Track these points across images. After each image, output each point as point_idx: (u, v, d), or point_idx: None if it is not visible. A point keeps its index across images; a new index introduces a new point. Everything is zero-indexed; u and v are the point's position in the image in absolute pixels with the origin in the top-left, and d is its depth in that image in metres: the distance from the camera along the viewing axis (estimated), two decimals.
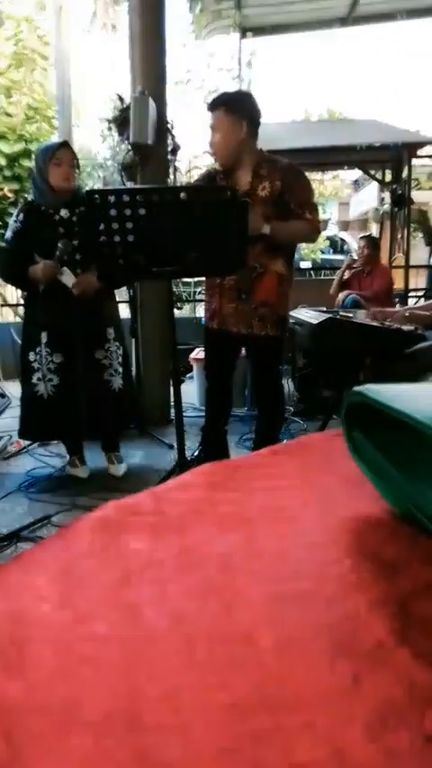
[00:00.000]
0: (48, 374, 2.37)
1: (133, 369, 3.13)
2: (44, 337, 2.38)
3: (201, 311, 5.05)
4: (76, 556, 0.45)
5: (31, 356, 2.41)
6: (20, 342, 3.16)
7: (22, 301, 3.58)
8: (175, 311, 2.05)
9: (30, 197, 2.43)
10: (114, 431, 2.72)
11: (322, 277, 6.77)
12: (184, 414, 1.86)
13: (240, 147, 2.04)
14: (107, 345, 2.45)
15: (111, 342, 2.46)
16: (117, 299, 2.65)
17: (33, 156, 2.42)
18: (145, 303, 3.38)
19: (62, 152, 2.29)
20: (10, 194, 7.01)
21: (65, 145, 2.36)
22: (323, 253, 9.33)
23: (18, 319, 5.58)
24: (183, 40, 5.84)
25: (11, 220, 2.44)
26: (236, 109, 2.02)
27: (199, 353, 3.83)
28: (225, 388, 2.35)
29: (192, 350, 3.99)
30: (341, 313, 2.79)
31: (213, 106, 2.04)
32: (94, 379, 2.42)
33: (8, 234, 2.41)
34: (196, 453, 2.51)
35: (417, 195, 6.11)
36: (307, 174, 2.17)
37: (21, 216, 2.37)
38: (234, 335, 2.15)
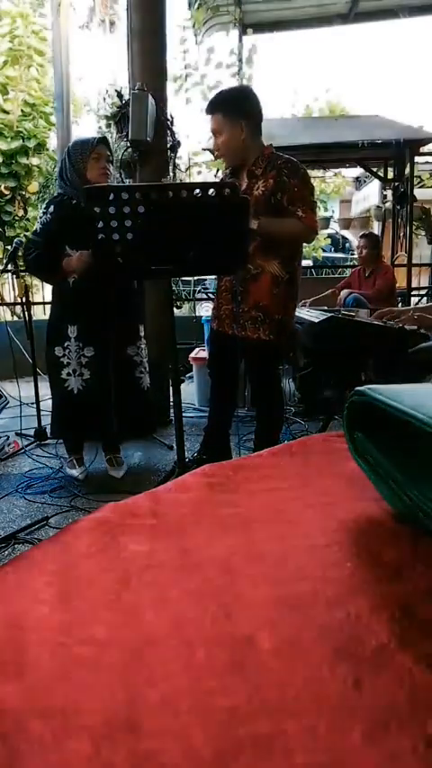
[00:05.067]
0: (78, 368, 2.36)
1: None
2: (73, 332, 2.36)
3: (200, 310, 5.04)
4: (74, 558, 0.45)
5: (58, 351, 2.39)
6: (17, 341, 3.16)
7: (19, 300, 3.57)
8: (175, 310, 2.04)
9: (59, 190, 2.40)
10: (145, 429, 2.68)
11: (324, 276, 6.76)
12: (183, 414, 1.85)
13: (244, 147, 2.03)
14: (138, 342, 2.44)
15: (141, 339, 2.45)
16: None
17: (65, 150, 2.38)
18: (144, 302, 3.38)
19: (101, 147, 2.30)
20: (6, 192, 6.99)
21: (103, 140, 2.35)
22: (324, 251, 9.32)
23: (15, 318, 5.62)
24: (181, 36, 5.80)
25: (40, 213, 2.45)
26: (233, 110, 2.00)
27: (199, 353, 3.82)
28: (228, 388, 2.34)
29: (191, 349, 3.98)
30: (342, 312, 2.78)
31: (212, 109, 2.02)
32: (126, 375, 2.39)
33: (37, 226, 2.43)
34: (196, 454, 2.50)
35: (419, 193, 6.08)
36: (308, 171, 2.14)
37: (51, 208, 2.37)
38: (231, 337, 2.14)
